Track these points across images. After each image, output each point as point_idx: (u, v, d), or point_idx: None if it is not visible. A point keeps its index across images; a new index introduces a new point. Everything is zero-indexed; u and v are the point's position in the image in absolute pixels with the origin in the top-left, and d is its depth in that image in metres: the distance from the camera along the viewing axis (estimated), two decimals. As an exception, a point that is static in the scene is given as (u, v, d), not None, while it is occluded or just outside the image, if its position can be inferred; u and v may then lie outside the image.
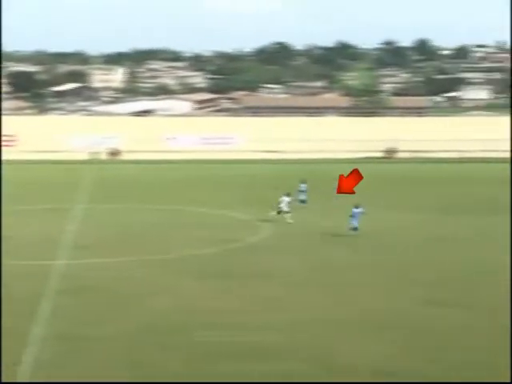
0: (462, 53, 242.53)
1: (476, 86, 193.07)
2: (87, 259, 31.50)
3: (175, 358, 19.99)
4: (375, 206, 44.94)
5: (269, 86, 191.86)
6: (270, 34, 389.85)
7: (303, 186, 45.97)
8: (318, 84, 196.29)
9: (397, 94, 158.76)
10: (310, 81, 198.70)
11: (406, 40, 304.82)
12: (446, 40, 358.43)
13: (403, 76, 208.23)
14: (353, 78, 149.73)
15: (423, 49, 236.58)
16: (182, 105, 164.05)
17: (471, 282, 28.27)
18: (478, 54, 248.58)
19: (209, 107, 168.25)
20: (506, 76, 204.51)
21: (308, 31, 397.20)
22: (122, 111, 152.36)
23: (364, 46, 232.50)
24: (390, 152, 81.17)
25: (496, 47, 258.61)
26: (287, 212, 39.75)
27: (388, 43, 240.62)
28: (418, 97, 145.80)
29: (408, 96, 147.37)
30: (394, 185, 57.08)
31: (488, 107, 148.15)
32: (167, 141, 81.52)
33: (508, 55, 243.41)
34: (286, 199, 40.08)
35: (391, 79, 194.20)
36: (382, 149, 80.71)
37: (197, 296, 26.06)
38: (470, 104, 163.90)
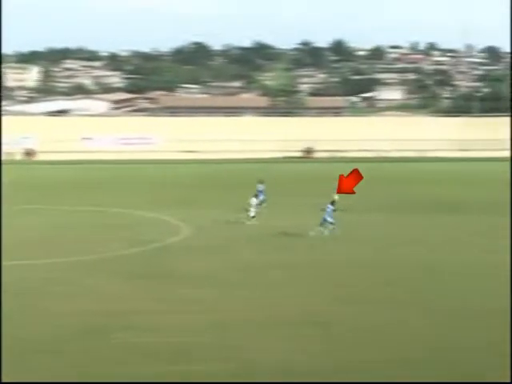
0: (376, 54, 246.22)
1: (391, 87, 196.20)
2: (6, 262, 30.71)
3: (93, 360, 19.68)
4: (302, 205, 45.35)
5: (187, 86, 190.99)
6: (188, 34, 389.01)
7: (261, 187, 45.11)
8: (236, 84, 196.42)
9: (314, 94, 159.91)
10: (228, 81, 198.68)
11: (322, 41, 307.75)
12: (361, 41, 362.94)
13: (320, 76, 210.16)
14: (270, 78, 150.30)
15: (339, 49, 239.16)
16: (98, 105, 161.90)
17: (408, 281, 28.45)
18: (392, 55, 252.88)
19: (126, 107, 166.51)
20: (420, 77, 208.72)
21: (225, 31, 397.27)
22: (37, 111, 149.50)
23: (281, 47, 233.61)
24: (308, 152, 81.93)
25: (410, 48, 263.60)
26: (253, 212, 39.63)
27: (305, 44, 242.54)
28: (335, 97, 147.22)
29: (325, 96, 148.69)
30: (315, 184, 57.54)
31: (402, 107, 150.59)
32: (84, 141, 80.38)
33: (421, 56, 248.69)
34: (255, 201, 39.89)
35: (308, 79, 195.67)
36: (300, 148, 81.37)
37: (116, 297, 25.72)
38: (385, 104, 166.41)
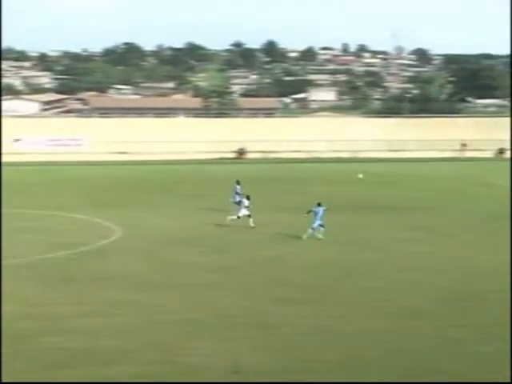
0: (308, 55, 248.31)
1: (323, 88, 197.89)
2: None
3: (21, 366, 19.25)
4: (231, 206, 45.23)
5: (118, 86, 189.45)
6: (119, 34, 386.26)
7: (239, 188, 43.95)
8: (169, 85, 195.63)
9: (246, 95, 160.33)
10: (160, 82, 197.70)
11: (254, 42, 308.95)
12: (292, 42, 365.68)
13: (252, 77, 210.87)
14: (203, 79, 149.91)
15: (271, 51, 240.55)
16: (28, 105, 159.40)
17: (329, 281, 28.56)
18: (324, 57, 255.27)
19: (56, 108, 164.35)
20: (351, 78, 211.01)
21: (157, 32, 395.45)
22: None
23: (213, 48, 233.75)
24: (241, 153, 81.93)
25: (341, 50, 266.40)
26: (249, 216, 38.80)
27: (237, 45, 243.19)
28: (267, 98, 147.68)
29: (257, 97, 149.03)
30: (249, 185, 57.45)
31: (334, 108, 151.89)
32: (13, 143, 78.88)
33: (352, 57, 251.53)
34: (246, 202, 39.05)
35: (241, 80, 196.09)
36: (233, 149, 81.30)
37: (46, 301, 25.24)
38: (318, 105, 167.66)
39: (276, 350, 20.57)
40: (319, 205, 36.10)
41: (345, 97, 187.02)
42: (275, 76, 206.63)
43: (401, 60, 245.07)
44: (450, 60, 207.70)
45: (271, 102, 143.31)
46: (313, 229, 35.76)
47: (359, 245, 35.05)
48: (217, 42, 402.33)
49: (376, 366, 19.45)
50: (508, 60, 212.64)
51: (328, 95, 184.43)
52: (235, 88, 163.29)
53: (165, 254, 33.00)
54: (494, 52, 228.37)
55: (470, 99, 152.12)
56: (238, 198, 42.80)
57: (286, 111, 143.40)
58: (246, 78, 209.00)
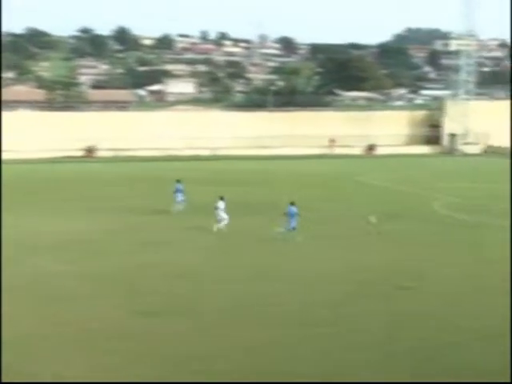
0: (164, 43, 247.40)
1: (180, 79, 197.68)
2: None
3: None
4: (85, 209, 44.56)
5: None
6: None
7: (180, 186, 44.12)
8: (7, 75, 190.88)
9: (96, 86, 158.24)
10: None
11: (103, 28, 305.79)
12: (147, 29, 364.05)
13: (102, 67, 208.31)
14: (46, 68, 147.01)
15: (123, 38, 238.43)
16: None
17: (193, 289, 28.43)
18: (181, 45, 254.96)
19: None
20: (211, 68, 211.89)
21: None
22: None
23: (58, 34, 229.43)
24: (90, 151, 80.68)
25: (199, 37, 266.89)
26: (224, 218, 38.08)
27: (84, 31, 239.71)
28: (120, 90, 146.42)
29: (108, 89, 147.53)
30: (97, 185, 56.65)
31: (193, 101, 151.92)
32: None
33: (212, 46, 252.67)
34: (222, 205, 38.14)
35: (89, 70, 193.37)
36: (81, 147, 79.96)
37: None
38: (175, 98, 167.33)
39: (144, 362, 20.57)
40: (292, 204, 36.21)
41: (204, 89, 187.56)
42: (128, 66, 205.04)
43: (264, 49, 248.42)
44: (317, 49, 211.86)
45: (124, 94, 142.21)
46: (293, 229, 35.77)
47: (230, 251, 35.02)
48: (62, 27, 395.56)
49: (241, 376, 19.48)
50: (376, 50, 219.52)
51: (186, 87, 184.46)
52: (83, 79, 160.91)
53: (27, 261, 31.89)
54: (362, 42, 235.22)
55: (338, 92, 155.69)
56: (180, 197, 44.07)
57: (141, 104, 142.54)
58: (95, 67, 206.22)
